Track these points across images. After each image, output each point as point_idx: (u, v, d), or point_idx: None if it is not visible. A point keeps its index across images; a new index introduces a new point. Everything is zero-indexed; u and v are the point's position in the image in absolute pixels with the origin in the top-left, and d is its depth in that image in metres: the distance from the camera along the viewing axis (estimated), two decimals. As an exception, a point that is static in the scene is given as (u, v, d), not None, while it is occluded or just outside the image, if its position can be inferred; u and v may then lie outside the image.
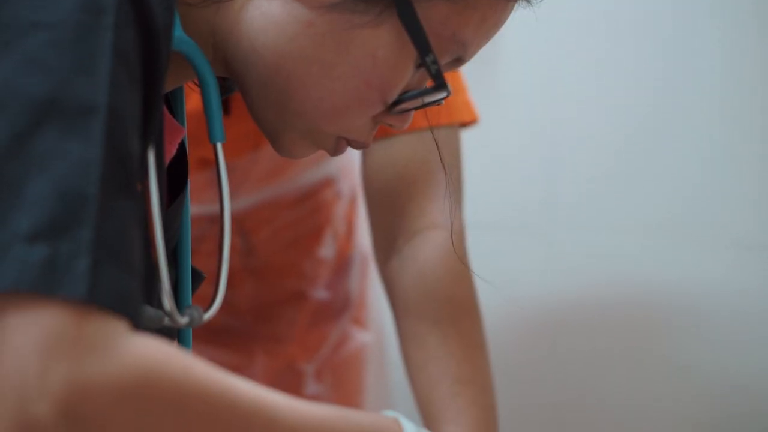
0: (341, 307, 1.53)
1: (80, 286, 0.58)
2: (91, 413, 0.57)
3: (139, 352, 0.60)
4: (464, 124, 1.29)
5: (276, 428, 0.66)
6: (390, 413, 0.80)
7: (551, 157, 1.83)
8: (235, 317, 1.46)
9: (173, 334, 0.89)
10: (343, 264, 1.53)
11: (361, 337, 1.57)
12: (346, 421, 0.72)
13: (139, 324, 0.61)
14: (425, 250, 1.22)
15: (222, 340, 1.45)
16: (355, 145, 0.86)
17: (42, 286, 0.57)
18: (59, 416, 0.56)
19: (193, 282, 0.90)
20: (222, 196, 0.84)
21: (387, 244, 1.26)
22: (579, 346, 1.82)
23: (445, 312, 1.20)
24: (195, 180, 1.09)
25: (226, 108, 1.22)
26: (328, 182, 1.49)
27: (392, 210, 1.25)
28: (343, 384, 1.53)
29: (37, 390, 0.56)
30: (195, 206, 1.30)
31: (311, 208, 1.47)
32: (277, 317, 1.47)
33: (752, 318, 1.72)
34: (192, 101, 0.92)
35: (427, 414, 1.18)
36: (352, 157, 1.44)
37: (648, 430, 1.79)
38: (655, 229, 1.77)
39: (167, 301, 0.75)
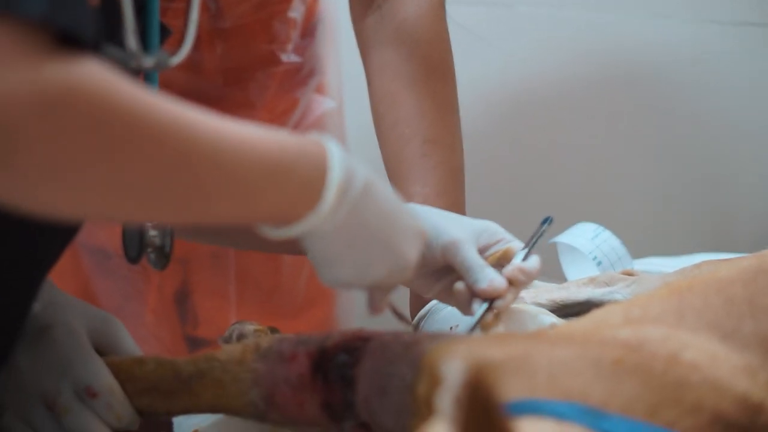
0: (309, 73, 1.52)
1: (36, 5, 0.59)
2: (10, 120, 0.59)
3: (71, 69, 0.61)
4: None
5: (193, 146, 0.67)
6: (317, 136, 0.77)
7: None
8: (205, 79, 1.44)
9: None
10: (310, 27, 1.51)
11: (324, 103, 1.57)
12: (269, 142, 0.72)
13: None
14: (405, 7, 1.20)
15: (192, 104, 1.43)
16: None
17: None
18: None
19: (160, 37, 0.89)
20: None
21: (366, 0, 1.23)
22: (543, 112, 1.84)
23: (421, 72, 1.19)
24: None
25: None
26: (296, -59, 1.45)
27: None
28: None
29: None
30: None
31: (281, -33, 1.44)
32: (248, 81, 1.46)
33: (713, 86, 1.74)
34: None
35: (394, 173, 1.19)
36: None
37: (602, 181, 1.83)
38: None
39: (132, 40, 0.75)
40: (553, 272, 1.44)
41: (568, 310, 1.16)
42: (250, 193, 0.71)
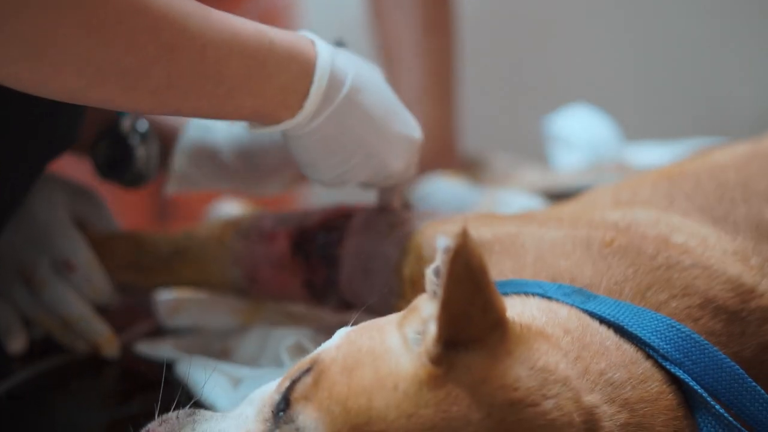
0: None
1: None
2: None
3: None
4: None
5: (185, 36, 0.65)
6: (306, 33, 0.75)
7: None
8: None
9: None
10: None
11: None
12: (260, 43, 0.70)
13: None
14: None
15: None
16: None
17: None
18: None
19: None
20: None
21: None
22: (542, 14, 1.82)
23: None
24: None
25: None
26: None
27: None
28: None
29: None
30: None
31: None
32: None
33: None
34: None
35: (387, 59, 1.18)
36: None
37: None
38: None
39: None
40: (538, 151, 1.42)
41: (557, 198, 1.14)
42: (229, 93, 0.69)
